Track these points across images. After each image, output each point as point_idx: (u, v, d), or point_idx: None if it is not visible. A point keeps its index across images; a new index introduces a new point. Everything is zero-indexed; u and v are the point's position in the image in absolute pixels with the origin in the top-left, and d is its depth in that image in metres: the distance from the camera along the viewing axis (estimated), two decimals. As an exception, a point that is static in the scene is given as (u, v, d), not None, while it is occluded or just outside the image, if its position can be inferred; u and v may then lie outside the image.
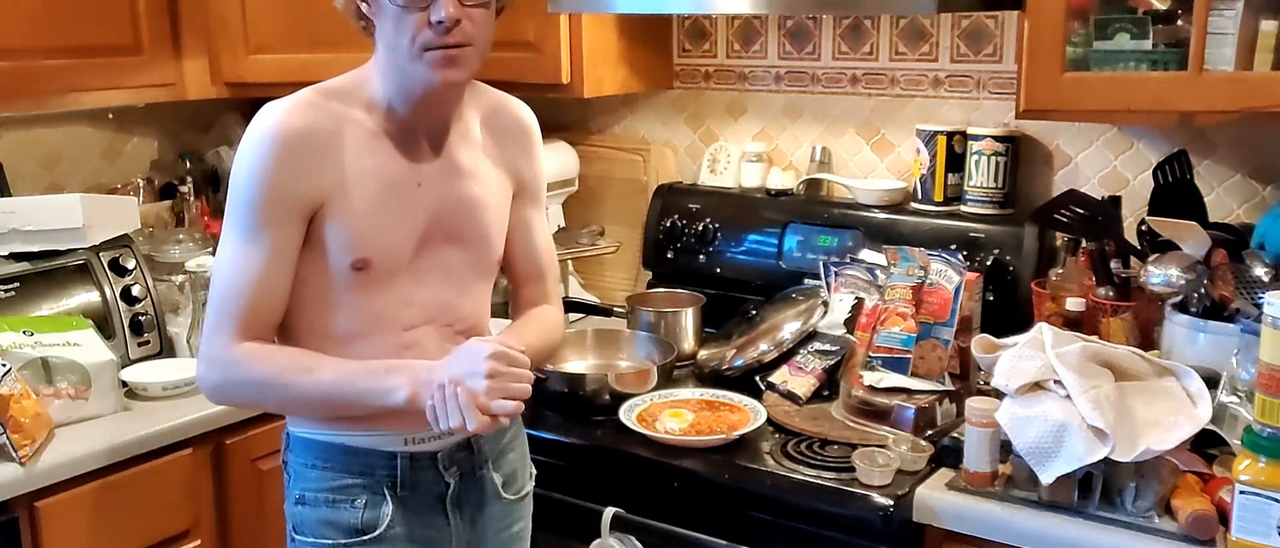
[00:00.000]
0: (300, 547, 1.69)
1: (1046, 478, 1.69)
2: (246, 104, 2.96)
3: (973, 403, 1.81)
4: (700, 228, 2.65)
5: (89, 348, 2.14)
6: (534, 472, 1.89)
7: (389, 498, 1.66)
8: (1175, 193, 2.14)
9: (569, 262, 2.76)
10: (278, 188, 1.54)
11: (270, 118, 1.55)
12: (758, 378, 2.26)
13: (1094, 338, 1.89)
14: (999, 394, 1.81)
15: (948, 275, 2.10)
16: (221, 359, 1.56)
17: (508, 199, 1.77)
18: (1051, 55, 1.98)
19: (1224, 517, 1.61)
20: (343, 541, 1.65)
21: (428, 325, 1.67)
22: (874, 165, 2.62)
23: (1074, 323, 2.03)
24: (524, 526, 1.86)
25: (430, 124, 1.65)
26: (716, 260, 2.65)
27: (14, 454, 1.90)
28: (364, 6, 1.57)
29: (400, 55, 1.55)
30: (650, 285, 2.76)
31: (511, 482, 1.81)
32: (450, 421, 1.46)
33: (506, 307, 2.69)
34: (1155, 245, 2.04)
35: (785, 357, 2.26)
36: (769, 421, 2.07)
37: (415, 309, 1.65)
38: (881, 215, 2.48)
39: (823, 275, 2.33)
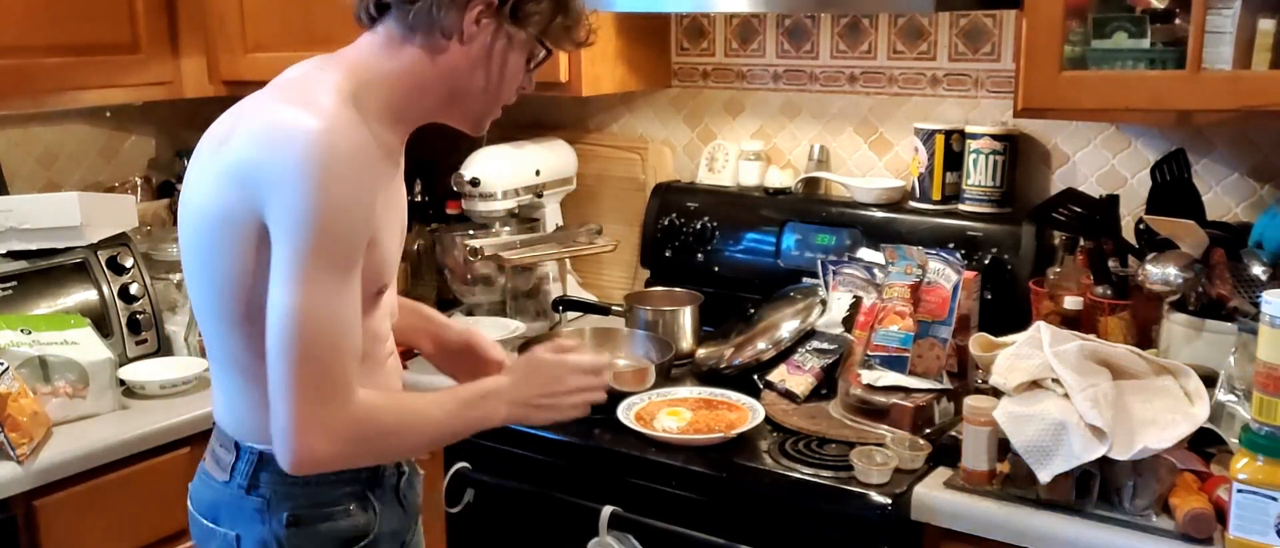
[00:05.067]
0: None
1: (1044, 476, 1.69)
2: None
3: (971, 401, 1.81)
4: (698, 226, 2.65)
5: (86, 346, 2.14)
6: None
7: (372, 500, 1.62)
8: (1173, 191, 2.14)
9: (567, 260, 2.76)
10: (362, 214, 1.40)
11: (336, 135, 1.37)
12: (756, 377, 2.26)
13: (1092, 336, 1.89)
14: (997, 393, 1.81)
15: (946, 274, 2.10)
16: (342, 428, 1.41)
17: None
18: (1049, 54, 1.98)
19: (1222, 515, 1.61)
20: None
21: (392, 338, 1.67)
22: (872, 164, 2.62)
23: (1072, 321, 2.03)
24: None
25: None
26: (714, 259, 2.64)
27: (11, 453, 1.90)
28: (505, 33, 1.50)
29: (479, 95, 1.54)
30: (648, 284, 2.75)
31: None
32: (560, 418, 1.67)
33: (504, 306, 2.71)
34: (1153, 244, 2.04)
35: (783, 355, 2.26)
36: (767, 419, 2.07)
37: (388, 324, 1.65)
38: (879, 214, 2.48)
39: (821, 274, 2.33)
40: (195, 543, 1.68)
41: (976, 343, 2.03)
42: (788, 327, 2.28)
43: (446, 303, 2.79)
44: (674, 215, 2.69)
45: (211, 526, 1.60)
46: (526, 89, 1.61)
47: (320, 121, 1.37)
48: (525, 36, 1.52)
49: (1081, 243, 2.15)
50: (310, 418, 1.38)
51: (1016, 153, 2.40)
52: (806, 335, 2.26)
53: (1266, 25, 1.86)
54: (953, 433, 1.93)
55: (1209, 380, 1.80)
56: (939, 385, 2.04)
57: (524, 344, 2.38)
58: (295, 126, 1.37)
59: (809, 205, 2.57)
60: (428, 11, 1.46)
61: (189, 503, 1.67)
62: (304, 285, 1.35)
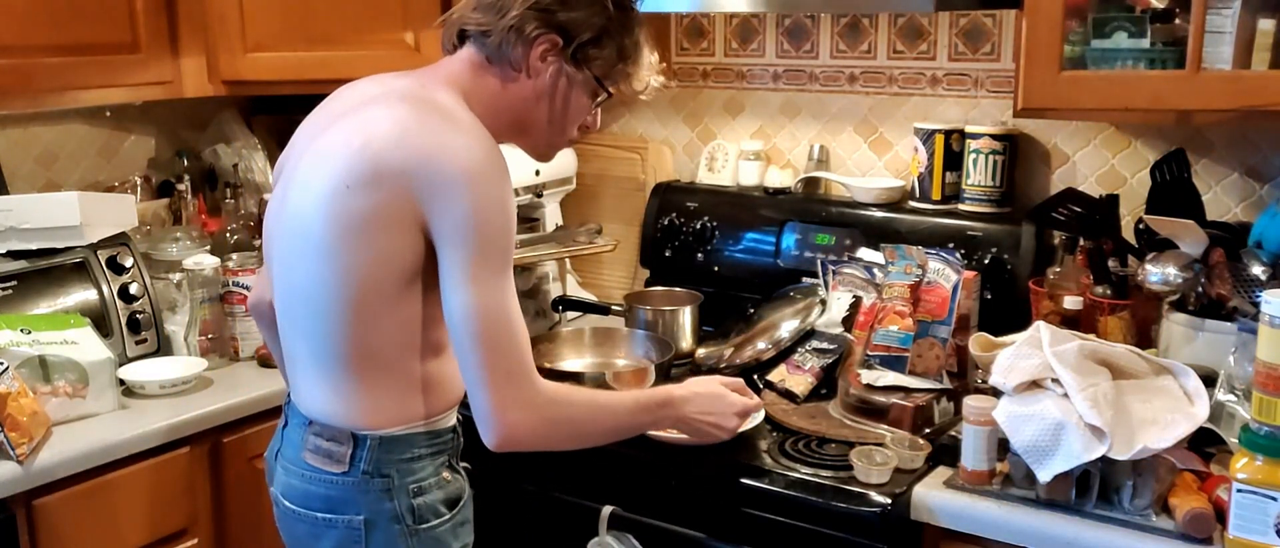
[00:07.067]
0: (425, 539, 1.67)
1: (1044, 476, 1.69)
2: (243, 102, 2.96)
3: (970, 401, 1.81)
4: (698, 226, 2.65)
5: (86, 346, 2.14)
6: None
7: (455, 467, 1.73)
8: (1173, 191, 2.14)
9: (566, 260, 2.76)
10: (514, 217, 1.57)
11: (490, 149, 1.55)
12: (755, 376, 2.26)
13: (1091, 336, 1.89)
14: (996, 393, 1.80)
15: (945, 274, 2.10)
16: (537, 401, 1.56)
17: None
18: (1049, 54, 1.98)
19: (1221, 515, 1.61)
20: (448, 513, 1.69)
21: None
22: (872, 164, 2.62)
23: (1071, 321, 2.03)
24: None
25: None
26: (714, 259, 2.65)
27: (11, 453, 1.90)
28: (566, 73, 1.64)
29: (543, 127, 1.70)
30: (648, 284, 2.75)
31: None
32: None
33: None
34: (1153, 244, 2.04)
35: (783, 355, 2.26)
36: (767, 419, 2.07)
37: None
38: (879, 214, 2.48)
39: (820, 274, 2.33)
40: (293, 542, 1.74)
41: (976, 343, 2.03)
42: (787, 326, 2.28)
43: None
44: (674, 215, 2.69)
45: (327, 517, 1.66)
46: (592, 127, 1.77)
47: (475, 137, 1.54)
48: (586, 77, 1.66)
49: (1081, 243, 2.15)
50: (506, 398, 1.53)
51: (1016, 153, 2.40)
52: (806, 335, 2.26)
53: (1266, 25, 1.86)
54: (952, 433, 1.93)
55: (1209, 380, 1.80)
56: (939, 385, 2.04)
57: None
58: (455, 142, 1.52)
59: (809, 205, 2.57)
60: (499, 45, 1.62)
61: (285, 504, 1.71)
62: (478, 284, 1.51)
